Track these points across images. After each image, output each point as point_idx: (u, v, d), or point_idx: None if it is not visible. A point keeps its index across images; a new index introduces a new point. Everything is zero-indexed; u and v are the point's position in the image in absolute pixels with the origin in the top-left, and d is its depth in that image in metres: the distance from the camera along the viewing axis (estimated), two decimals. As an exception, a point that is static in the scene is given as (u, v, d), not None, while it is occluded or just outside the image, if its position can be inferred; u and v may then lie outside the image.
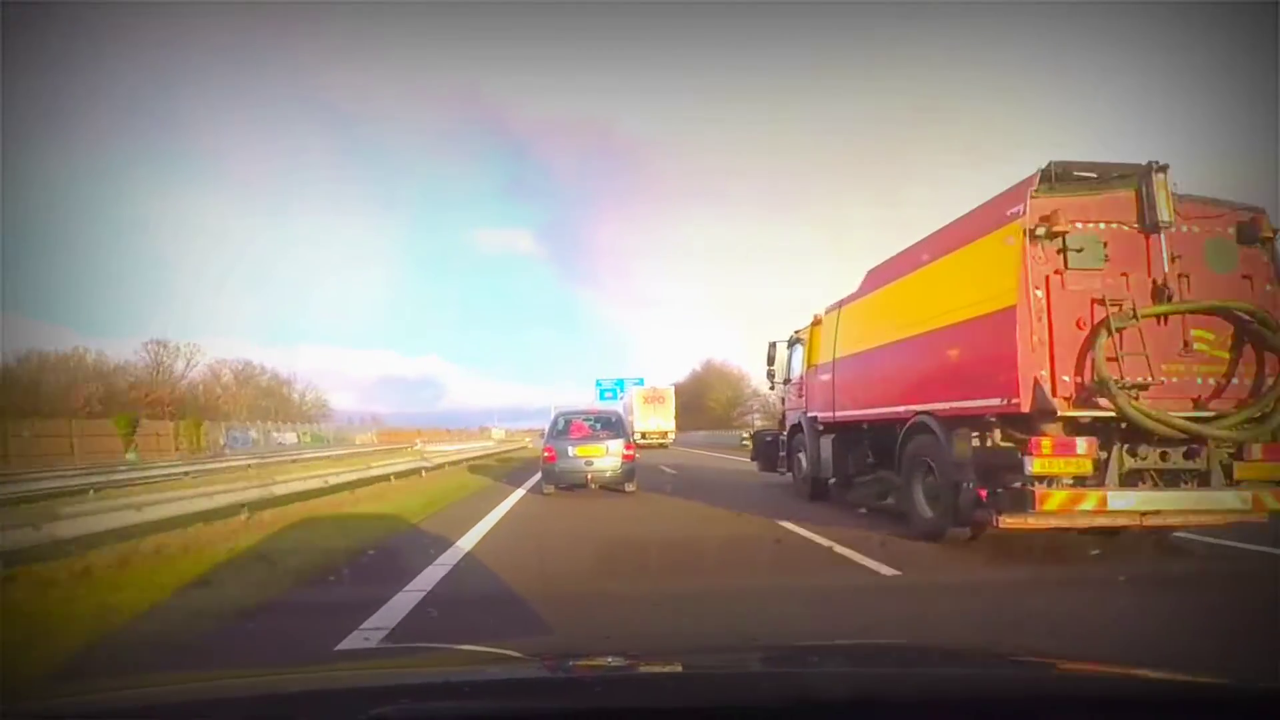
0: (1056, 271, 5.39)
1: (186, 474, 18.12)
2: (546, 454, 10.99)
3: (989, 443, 5.72)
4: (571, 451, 10.83)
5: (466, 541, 6.85)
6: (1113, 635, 3.75)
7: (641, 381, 47.24)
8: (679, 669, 1.46)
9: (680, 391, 58.95)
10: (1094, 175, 5.54)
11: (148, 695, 1.30)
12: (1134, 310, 5.25)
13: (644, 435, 38.79)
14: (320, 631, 3.85)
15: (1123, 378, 5.16)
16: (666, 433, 39.61)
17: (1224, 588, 4.91)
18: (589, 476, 10.77)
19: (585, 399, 50.14)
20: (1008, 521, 5.37)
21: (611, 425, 11.56)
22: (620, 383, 48.79)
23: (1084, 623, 4.05)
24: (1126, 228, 5.47)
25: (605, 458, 10.76)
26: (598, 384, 50.58)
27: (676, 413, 40.97)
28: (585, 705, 1.11)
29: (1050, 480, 5.23)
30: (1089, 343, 5.25)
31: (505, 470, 19.21)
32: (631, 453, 11.16)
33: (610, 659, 1.49)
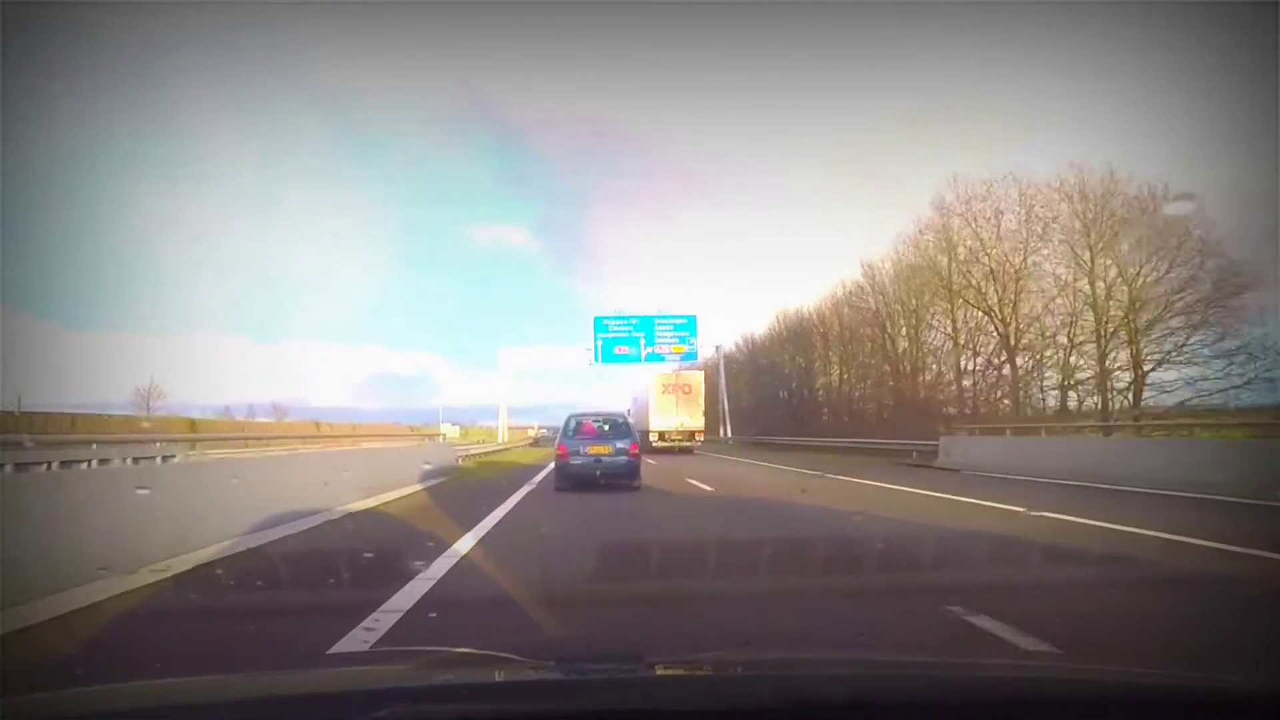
0: None
1: None
2: (560, 452, 11.93)
3: None
4: (583, 449, 11.73)
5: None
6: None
7: (692, 322, 34.91)
8: (677, 672, 1.47)
9: (767, 352, 43.63)
10: None
11: (148, 695, 1.34)
12: None
13: (661, 436, 29.40)
14: None
15: None
16: (693, 433, 29.95)
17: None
18: (598, 472, 11.53)
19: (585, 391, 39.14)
20: None
21: (618, 426, 12.56)
22: (647, 321, 34.38)
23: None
24: None
25: (613, 456, 11.69)
26: (597, 326, 34.21)
27: (707, 407, 31.23)
28: (584, 708, 1.12)
29: None
30: None
31: None
32: (636, 451, 12.06)
33: (608, 662, 1.54)
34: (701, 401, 30.47)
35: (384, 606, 4.00)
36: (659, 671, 1.46)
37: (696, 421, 30.22)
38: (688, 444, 30.07)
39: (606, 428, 12.39)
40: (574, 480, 11.52)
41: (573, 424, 12.39)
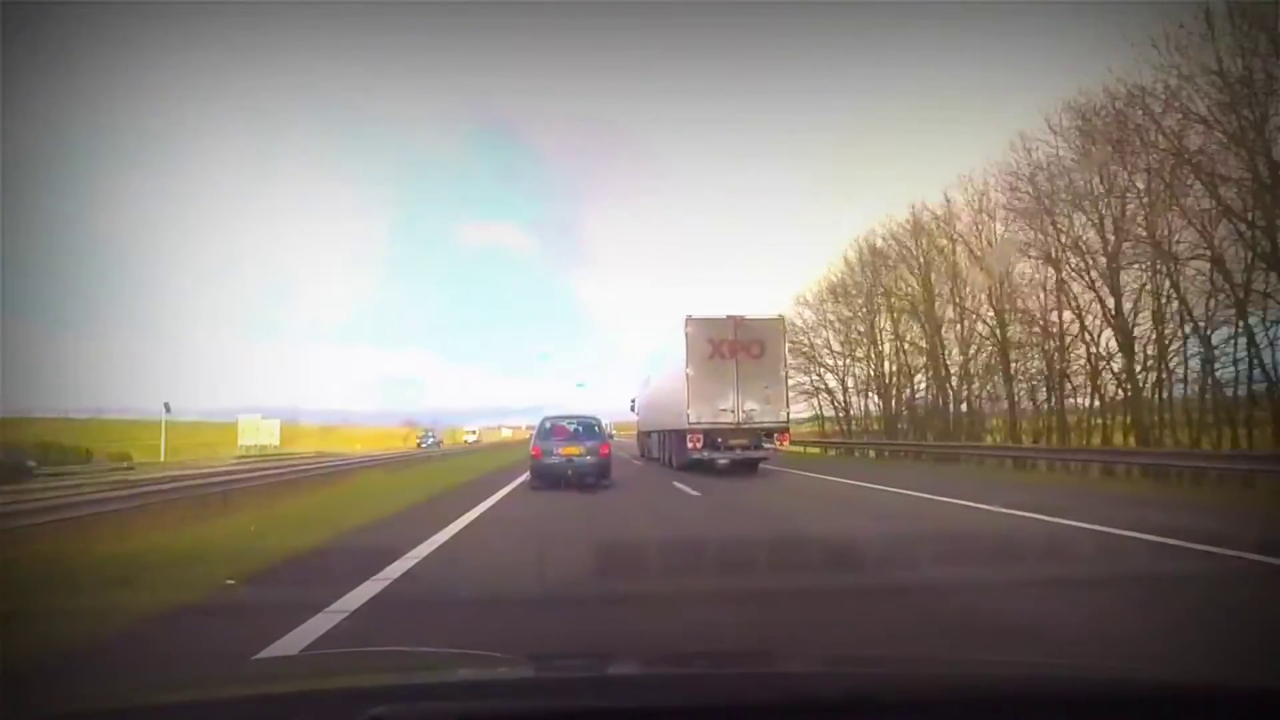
0: None
1: None
2: (534, 452, 12.67)
3: None
4: (556, 450, 12.43)
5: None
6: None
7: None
8: (672, 670, 1.46)
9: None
10: None
11: (141, 697, 1.32)
12: None
13: (708, 439, 15.45)
14: None
15: None
16: (769, 431, 15.66)
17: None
18: (569, 471, 12.20)
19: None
20: None
21: (590, 429, 13.19)
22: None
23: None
24: None
25: (583, 456, 12.31)
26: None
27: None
28: (576, 705, 1.10)
29: None
30: None
31: None
32: (607, 452, 12.76)
33: (600, 659, 1.54)
34: (784, 371, 16.10)
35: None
36: (655, 669, 1.44)
37: (777, 409, 15.82)
38: (756, 454, 15.82)
39: (579, 430, 13.03)
40: (547, 478, 12.15)
41: (547, 425, 13.09)
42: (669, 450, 18.33)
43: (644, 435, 24.64)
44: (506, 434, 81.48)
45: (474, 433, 74.73)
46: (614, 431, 47.03)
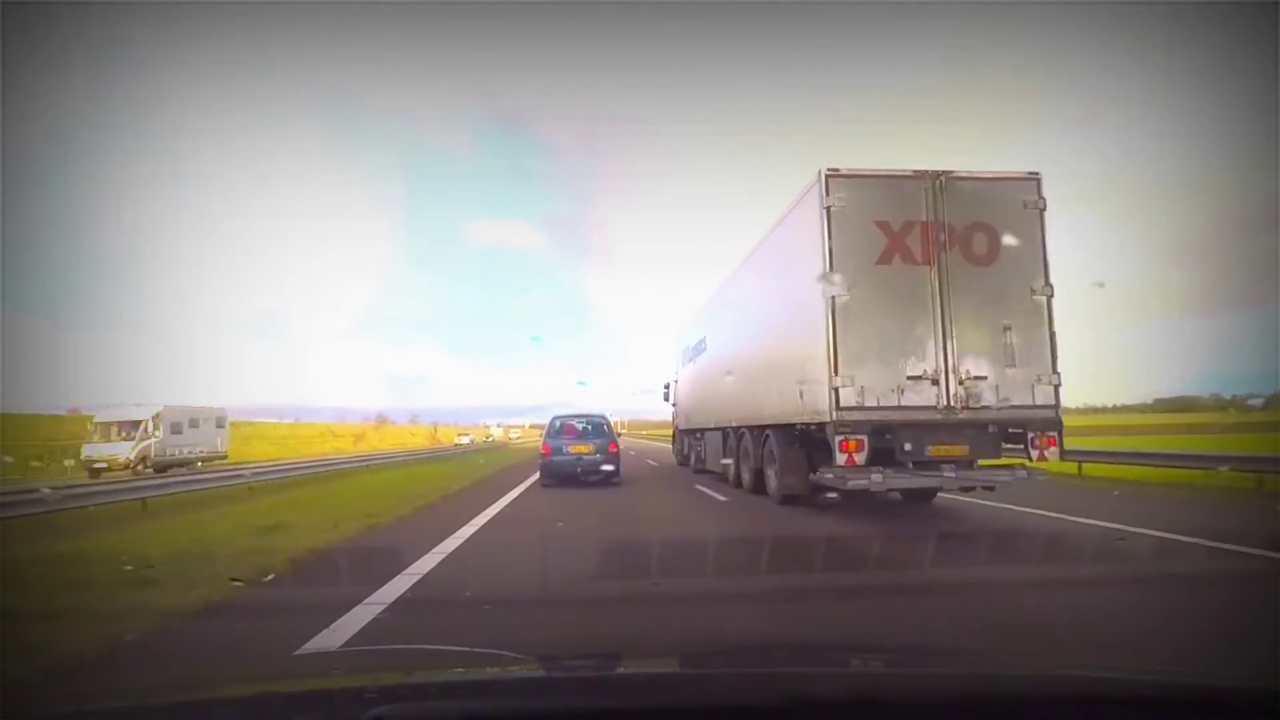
0: None
1: None
2: (544, 450, 12.98)
3: None
4: (565, 448, 12.79)
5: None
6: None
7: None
8: (678, 670, 1.44)
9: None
10: None
11: (143, 697, 1.32)
12: None
13: (884, 433, 6.53)
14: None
15: None
16: (1024, 428, 6.96)
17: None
18: (579, 469, 12.58)
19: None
20: None
21: (598, 427, 13.38)
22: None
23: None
24: None
25: (593, 454, 12.63)
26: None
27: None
28: (581, 705, 1.08)
29: None
30: None
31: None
32: (615, 449, 12.80)
33: (608, 659, 1.50)
34: (1046, 293, 7.40)
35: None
36: (661, 669, 1.42)
37: (1031, 375, 7.15)
38: (981, 477, 7.23)
39: (587, 428, 13.27)
40: (556, 476, 12.59)
41: (557, 424, 13.38)
42: (755, 463, 9.73)
43: (691, 436, 16.02)
44: (495, 434, 66.80)
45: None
46: (622, 430, 39.97)
